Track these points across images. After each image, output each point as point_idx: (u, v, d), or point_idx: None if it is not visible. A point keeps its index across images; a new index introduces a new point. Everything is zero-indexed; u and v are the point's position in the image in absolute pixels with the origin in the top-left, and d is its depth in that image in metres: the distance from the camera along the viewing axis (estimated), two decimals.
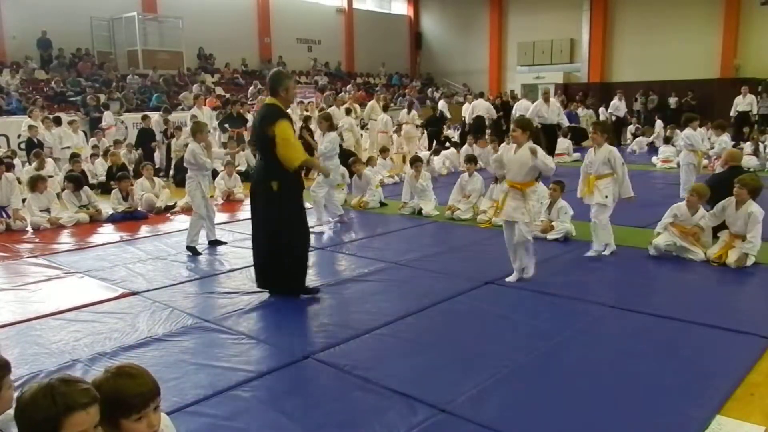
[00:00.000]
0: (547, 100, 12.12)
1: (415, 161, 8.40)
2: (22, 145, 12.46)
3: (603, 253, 5.75)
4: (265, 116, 4.62)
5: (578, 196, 5.92)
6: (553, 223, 6.52)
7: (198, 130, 6.52)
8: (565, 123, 13.50)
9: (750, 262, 5.33)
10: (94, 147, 12.51)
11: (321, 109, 15.38)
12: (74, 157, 10.20)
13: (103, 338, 4.03)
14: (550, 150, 11.90)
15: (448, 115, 17.19)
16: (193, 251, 6.29)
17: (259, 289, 4.91)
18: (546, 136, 11.42)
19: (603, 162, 5.56)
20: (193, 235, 6.38)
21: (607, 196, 5.56)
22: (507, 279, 5.05)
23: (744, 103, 15.75)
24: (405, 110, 15.05)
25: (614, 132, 16.34)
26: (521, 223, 4.89)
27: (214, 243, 6.64)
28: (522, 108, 17.39)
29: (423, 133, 15.70)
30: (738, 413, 2.95)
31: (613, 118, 17.12)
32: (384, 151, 11.99)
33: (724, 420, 2.88)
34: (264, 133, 4.52)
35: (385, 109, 14.50)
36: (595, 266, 5.52)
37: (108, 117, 14.12)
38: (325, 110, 12.88)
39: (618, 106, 17.00)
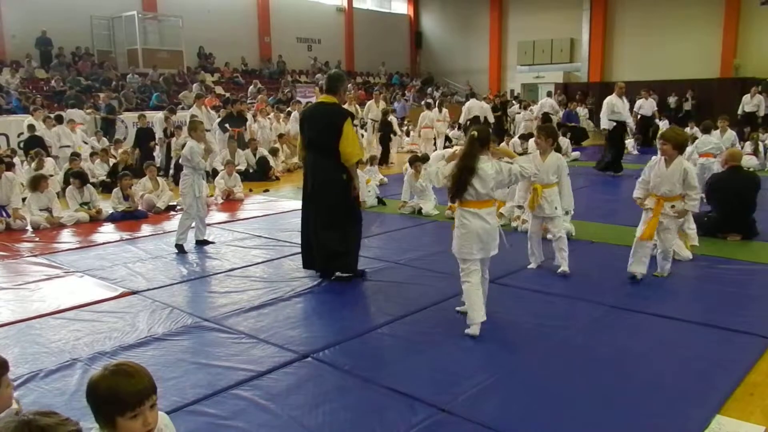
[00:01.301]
0: (621, 95, 10.96)
1: (415, 161, 8.40)
2: (22, 144, 12.47)
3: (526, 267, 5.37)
4: (335, 113, 5.02)
5: (527, 207, 5.49)
6: None
7: (193, 128, 6.50)
8: (632, 123, 12.22)
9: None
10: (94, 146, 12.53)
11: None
12: (74, 156, 10.20)
13: (102, 337, 4.03)
14: (621, 153, 11.21)
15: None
16: (180, 249, 6.29)
17: (315, 274, 5.31)
18: (621, 135, 11.02)
19: (553, 171, 5.18)
20: (181, 233, 6.36)
21: (557, 207, 5.18)
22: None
23: (751, 103, 15.71)
24: (436, 109, 15.50)
25: (644, 134, 15.95)
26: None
27: (201, 243, 6.57)
28: (548, 105, 17.16)
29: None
30: (738, 413, 2.95)
31: (638, 118, 16.51)
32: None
33: (724, 420, 2.88)
34: (335, 129, 4.93)
35: (386, 113, 14.57)
36: (595, 266, 5.52)
37: (75, 115, 14.02)
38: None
39: (642, 104, 16.35)
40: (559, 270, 5.19)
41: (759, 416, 2.93)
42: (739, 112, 15.79)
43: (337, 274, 5.21)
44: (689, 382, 3.26)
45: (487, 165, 3.88)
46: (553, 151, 5.27)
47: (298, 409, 3.05)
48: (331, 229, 5.08)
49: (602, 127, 11.25)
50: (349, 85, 23.28)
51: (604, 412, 2.97)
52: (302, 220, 5.35)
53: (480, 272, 4.02)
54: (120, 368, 1.81)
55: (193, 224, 6.58)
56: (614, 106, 10.93)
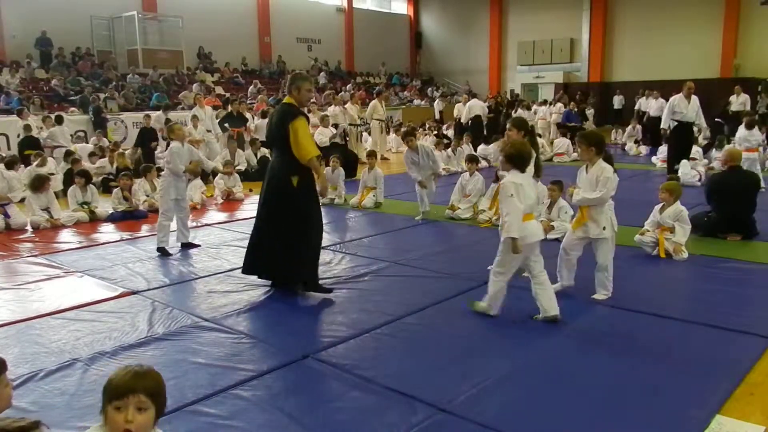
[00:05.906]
0: (689, 95, 10.37)
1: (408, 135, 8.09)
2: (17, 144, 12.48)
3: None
4: (282, 114, 4.81)
5: (571, 227, 4.87)
6: (552, 223, 6.52)
7: (171, 130, 6.44)
8: (704, 125, 11.52)
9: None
10: (95, 146, 12.51)
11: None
12: (70, 155, 10.18)
13: (103, 337, 4.03)
14: (684, 153, 10.53)
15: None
16: (163, 252, 6.22)
17: (250, 277, 5.13)
18: (682, 136, 10.48)
19: (593, 184, 4.41)
20: (162, 237, 6.29)
21: (605, 228, 4.47)
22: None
23: (737, 102, 15.67)
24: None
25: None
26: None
27: (187, 246, 6.46)
28: (478, 108, 16.61)
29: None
30: (738, 413, 2.95)
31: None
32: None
33: (724, 420, 2.88)
34: (280, 130, 4.72)
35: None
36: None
37: (160, 118, 13.81)
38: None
39: (649, 104, 15.82)
40: (593, 296, 4.63)
41: (759, 416, 2.93)
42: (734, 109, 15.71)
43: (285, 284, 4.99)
44: (689, 382, 3.26)
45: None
46: (601, 161, 4.44)
47: (298, 409, 3.05)
48: (278, 236, 4.79)
49: (662, 126, 10.74)
50: (349, 86, 23.32)
51: (603, 412, 2.97)
52: (255, 221, 5.09)
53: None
54: (135, 366, 1.90)
55: (174, 228, 6.49)
56: (676, 105, 10.36)
